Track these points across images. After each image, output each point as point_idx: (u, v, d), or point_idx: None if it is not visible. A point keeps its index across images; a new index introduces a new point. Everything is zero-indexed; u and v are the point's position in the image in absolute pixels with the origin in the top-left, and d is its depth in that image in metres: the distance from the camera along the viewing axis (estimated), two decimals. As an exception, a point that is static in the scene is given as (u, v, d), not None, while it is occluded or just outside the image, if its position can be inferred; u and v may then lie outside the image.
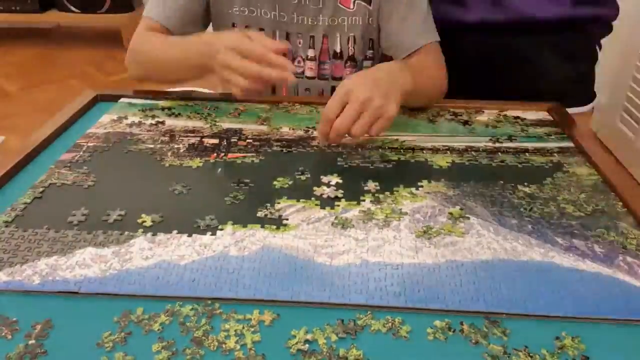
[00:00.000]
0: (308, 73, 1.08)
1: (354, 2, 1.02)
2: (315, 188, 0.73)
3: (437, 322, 0.52)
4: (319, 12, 1.02)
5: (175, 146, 0.84)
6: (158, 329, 0.51)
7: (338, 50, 1.07)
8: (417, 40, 1.00)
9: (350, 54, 1.07)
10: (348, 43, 1.06)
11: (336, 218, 0.67)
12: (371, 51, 1.09)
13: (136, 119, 0.92)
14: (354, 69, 1.08)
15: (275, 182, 0.74)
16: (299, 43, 1.06)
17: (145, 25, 1.01)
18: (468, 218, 0.67)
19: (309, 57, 1.07)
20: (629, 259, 0.61)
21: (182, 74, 0.99)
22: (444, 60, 1.02)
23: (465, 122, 0.93)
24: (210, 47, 0.87)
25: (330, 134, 0.80)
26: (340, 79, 1.08)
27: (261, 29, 1.04)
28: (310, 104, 0.99)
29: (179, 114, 0.94)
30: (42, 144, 0.83)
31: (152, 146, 0.84)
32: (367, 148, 0.84)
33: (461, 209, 0.69)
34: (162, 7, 1.01)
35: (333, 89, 1.02)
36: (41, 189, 0.72)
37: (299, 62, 1.07)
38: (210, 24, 1.08)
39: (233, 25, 1.05)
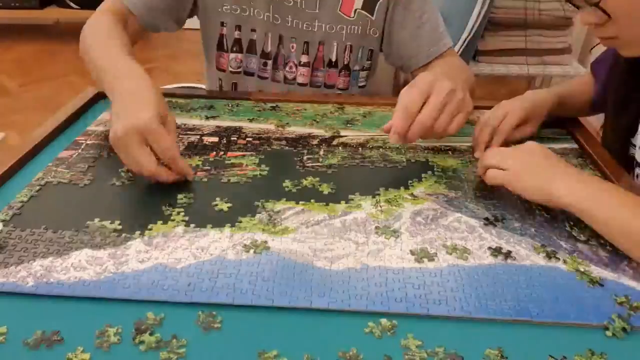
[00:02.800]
0: (300, 80, 1.04)
1: (354, 11, 0.99)
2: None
3: (439, 329, 0.51)
4: (316, 17, 0.99)
5: (174, 146, 0.83)
6: (152, 334, 0.50)
7: (333, 59, 1.03)
8: (436, 46, 1.00)
9: (345, 63, 1.04)
10: (344, 52, 1.02)
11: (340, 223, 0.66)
12: (369, 62, 1.06)
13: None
14: (347, 77, 1.05)
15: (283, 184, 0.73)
16: (292, 48, 1.02)
17: (112, 5, 0.94)
18: (434, 259, 0.59)
19: (301, 63, 1.03)
20: (634, 263, 0.60)
21: (99, 86, 0.88)
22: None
23: (468, 123, 0.92)
24: (121, 107, 0.71)
25: (413, 129, 0.71)
26: (333, 86, 1.05)
27: (253, 30, 1.00)
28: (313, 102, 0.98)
29: (179, 111, 0.93)
30: (42, 141, 0.82)
31: (150, 145, 0.83)
32: (367, 148, 0.83)
33: (432, 252, 0.60)
34: None
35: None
36: (37, 188, 0.71)
37: (290, 67, 1.03)
38: (190, 19, 1.02)
39: (222, 24, 1.00)
